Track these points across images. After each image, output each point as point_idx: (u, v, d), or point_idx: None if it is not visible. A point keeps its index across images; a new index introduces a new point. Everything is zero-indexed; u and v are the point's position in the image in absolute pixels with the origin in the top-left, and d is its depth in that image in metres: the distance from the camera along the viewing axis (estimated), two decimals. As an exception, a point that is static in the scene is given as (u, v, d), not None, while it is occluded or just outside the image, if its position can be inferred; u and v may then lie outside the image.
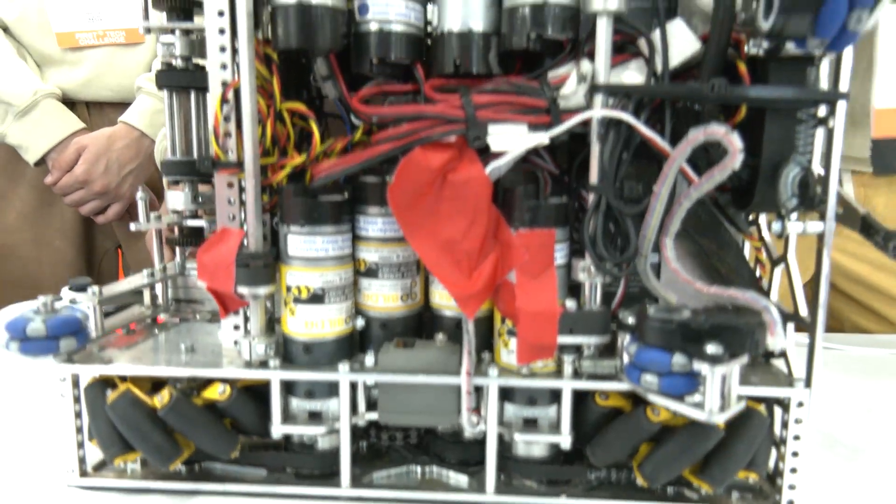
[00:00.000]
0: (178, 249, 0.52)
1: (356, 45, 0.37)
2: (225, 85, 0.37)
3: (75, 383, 0.38)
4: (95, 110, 1.03)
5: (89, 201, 0.99)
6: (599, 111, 0.33)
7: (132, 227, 0.48)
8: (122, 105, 1.00)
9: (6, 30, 1.01)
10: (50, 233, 1.04)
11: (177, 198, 0.49)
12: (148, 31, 0.47)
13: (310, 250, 0.37)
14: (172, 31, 0.47)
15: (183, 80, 0.47)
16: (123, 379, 0.38)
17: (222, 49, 0.37)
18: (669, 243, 0.34)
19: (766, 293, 0.41)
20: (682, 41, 0.35)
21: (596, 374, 0.37)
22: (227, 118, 0.37)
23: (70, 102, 1.01)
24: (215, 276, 0.37)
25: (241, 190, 0.37)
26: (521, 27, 0.34)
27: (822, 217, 0.34)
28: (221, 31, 0.37)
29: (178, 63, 0.47)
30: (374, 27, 0.36)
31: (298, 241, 0.37)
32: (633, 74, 0.35)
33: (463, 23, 0.36)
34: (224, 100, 0.37)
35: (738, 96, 0.33)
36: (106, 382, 0.38)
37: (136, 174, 0.99)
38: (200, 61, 0.47)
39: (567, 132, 0.34)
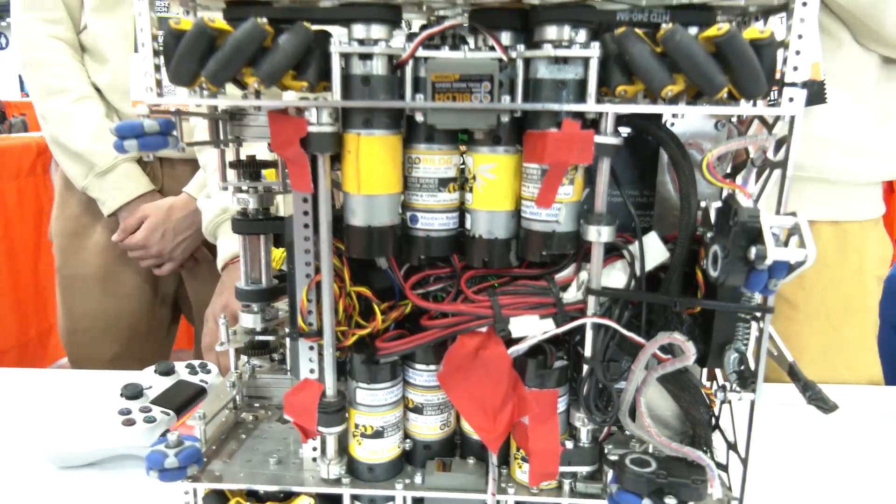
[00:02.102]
0: (249, 358, 0.64)
1: (407, 244, 0.48)
2: (309, 276, 0.48)
3: (195, 494, 0.51)
4: (167, 165, 1.18)
5: (147, 259, 1.12)
6: (592, 318, 0.45)
7: (218, 347, 0.60)
8: (191, 161, 1.14)
9: (100, 92, 1.14)
10: (120, 266, 1.18)
11: (249, 319, 0.61)
12: (225, 188, 0.58)
13: (372, 400, 0.49)
14: (246, 190, 0.58)
15: (255, 228, 0.59)
16: (231, 492, 0.50)
17: (306, 238, 0.48)
18: (643, 401, 0.46)
19: (716, 422, 0.53)
20: (654, 251, 0.47)
21: (587, 493, 0.49)
22: (311, 300, 0.48)
23: (145, 161, 1.15)
24: (301, 415, 0.49)
25: (320, 353, 0.49)
26: (535, 247, 0.46)
27: (753, 391, 0.46)
28: (306, 226, 0.48)
29: (251, 213, 0.58)
30: (421, 234, 0.47)
31: (364, 394, 0.49)
32: (618, 275, 0.47)
33: (489, 231, 0.47)
34: (309, 287, 0.48)
35: (693, 305, 0.45)
36: (217, 493, 0.51)
37: (189, 241, 1.13)
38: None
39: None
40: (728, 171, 0.52)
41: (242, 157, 0.57)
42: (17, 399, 0.82)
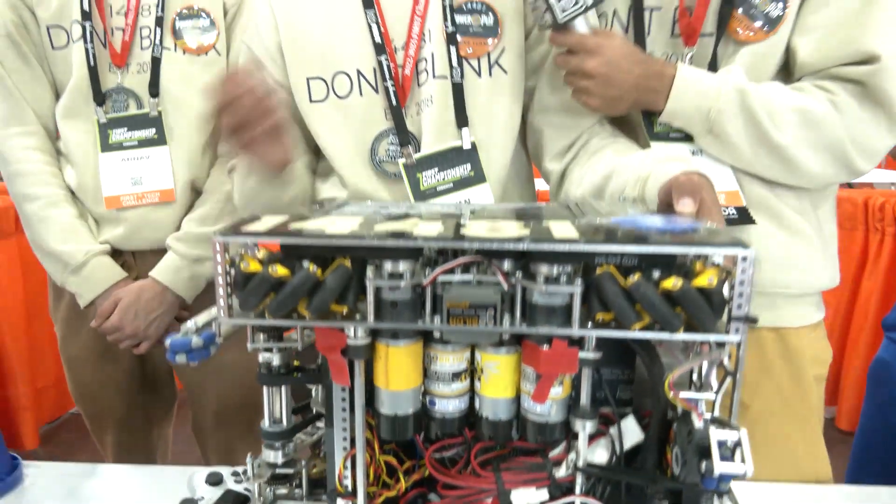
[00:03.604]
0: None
1: (427, 421, 0.58)
2: (345, 449, 0.58)
3: None
4: (139, 256, 1.28)
5: (124, 340, 1.25)
6: (579, 497, 0.55)
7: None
8: (161, 251, 1.25)
9: (73, 193, 1.26)
10: (113, 350, 1.29)
11: (271, 455, 0.70)
12: (255, 351, 0.68)
13: (398, 551, 0.59)
14: (270, 350, 0.68)
15: (278, 381, 0.68)
16: None
17: (343, 419, 0.58)
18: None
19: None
20: (631, 434, 0.56)
21: None
22: (346, 466, 0.59)
23: (118, 251, 1.27)
24: (337, 561, 0.59)
25: (354, 510, 0.59)
26: (531, 434, 0.55)
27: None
28: (343, 409, 0.58)
29: (274, 368, 0.68)
30: (438, 415, 0.57)
31: (391, 545, 0.59)
32: (602, 452, 0.57)
33: (494, 414, 0.57)
34: (345, 458, 0.58)
35: (664, 487, 0.54)
36: None
37: (160, 319, 1.24)
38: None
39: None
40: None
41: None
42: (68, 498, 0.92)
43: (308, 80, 0.96)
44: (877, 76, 0.83)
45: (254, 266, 0.52)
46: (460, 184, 0.93)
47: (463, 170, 0.94)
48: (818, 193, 0.94)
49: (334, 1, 0.97)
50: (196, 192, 1.27)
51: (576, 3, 0.83)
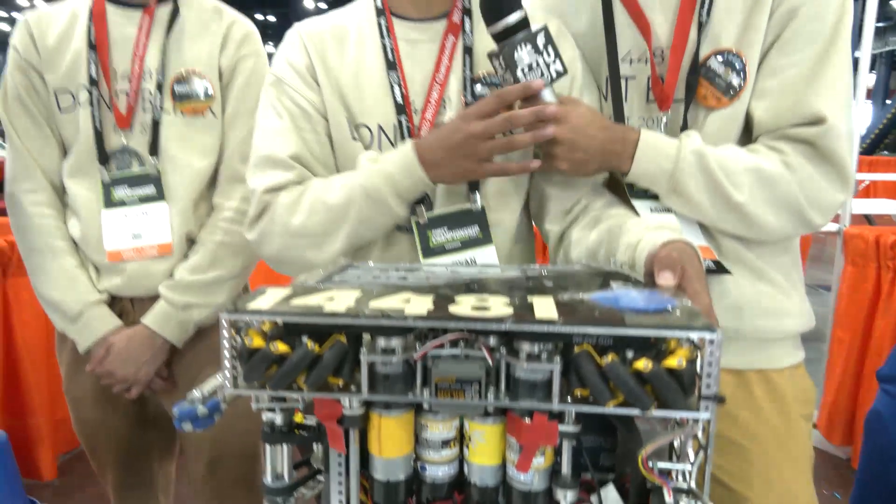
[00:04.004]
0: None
1: (418, 485, 0.61)
2: (341, 510, 0.62)
3: None
4: (137, 302, 1.34)
5: (115, 385, 1.31)
6: (559, 563, 0.57)
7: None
8: (157, 298, 1.30)
9: (77, 243, 1.33)
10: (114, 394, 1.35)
11: None
12: (259, 411, 0.72)
13: None
14: (273, 410, 0.72)
15: (280, 440, 0.72)
16: None
17: (339, 483, 0.62)
18: None
19: None
20: (611, 502, 0.59)
21: None
22: (341, 527, 0.62)
23: (117, 297, 1.33)
24: None
25: (349, 569, 0.62)
26: (516, 501, 0.59)
27: None
28: (339, 473, 0.62)
29: (277, 426, 0.72)
30: (428, 480, 0.61)
31: None
32: (586, 519, 0.59)
33: (481, 479, 0.60)
34: (340, 519, 0.61)
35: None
36: None
37: (150, 364, 1.30)
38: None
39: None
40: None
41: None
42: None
43: (347, 120, 1.00)
44: (825, 137, 0.91)
45: (257, 342, 0.56)
46: (468, 243, 0.97)
47: (471, 230, 0.98)
48: (782, 244, 1.02)
49: (363, 56, 1.01)
50: (191, 243, 1.33)
51: (541, 75, 0.88)
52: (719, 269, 0.94)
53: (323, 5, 17.01)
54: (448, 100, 1.00)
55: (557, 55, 0.89)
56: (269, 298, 0.60)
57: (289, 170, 0.97)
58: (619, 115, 1.02)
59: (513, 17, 0.87)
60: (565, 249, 0.99)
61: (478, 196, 0.98)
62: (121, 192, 1.28)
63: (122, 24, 1.29)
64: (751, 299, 0.99)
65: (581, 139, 0.91)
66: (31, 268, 1.32)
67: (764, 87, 0.95)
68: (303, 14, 17.47)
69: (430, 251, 0.98)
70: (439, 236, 0.98)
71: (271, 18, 17.00)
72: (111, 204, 1.28)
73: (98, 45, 1.27)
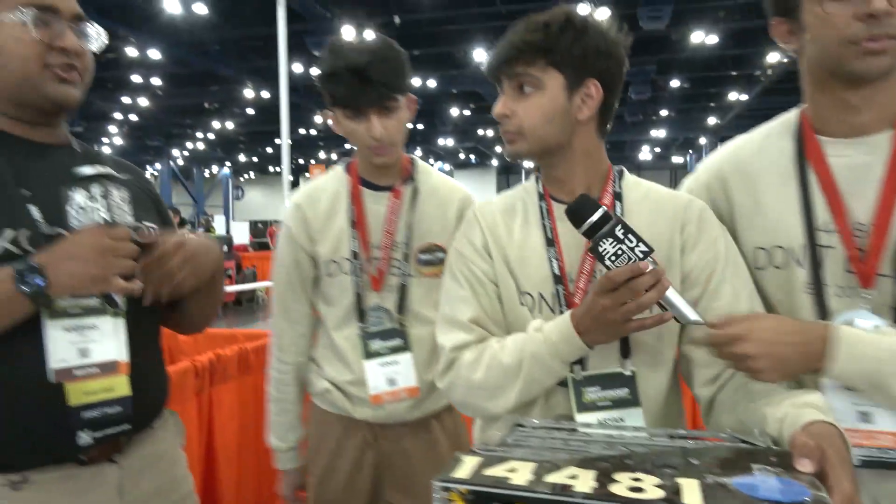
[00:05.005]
0: None
1: None
2: None
3: None
4: (379, 427, 1.65)
5: None
6: None
7: None
8: (400, 425, 1.62)
9: (336, 385, 1.65)
10: None
11: None
12: None
13: None
14: None
15: None
16: None
17: None
18: None
19: None
20: None
21: None
22: None
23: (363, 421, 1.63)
24: None
25: None
26: None
27: None
28: None
29: None
30: None
31: None
32: None
33: None
34: None
35: None
36: None
37: None
38: None
39: None
40: None
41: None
42: None
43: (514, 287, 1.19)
44: None
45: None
46: (618, 403, 1.11)
47: (621, 392, 1.11)
48: None
49: (527, 234, 1.21)
50: (432, 386, 1.56)
51: (627, 260, 0.99)
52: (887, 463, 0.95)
53: (466, 112, 18.38)
54: (599, 271, 1.16)
55: (639, 239, 1.00)
56: (467, 467, 0.77)
57: (469, 332, 1.18)
58: (816, 284, 1.09)
59: (593, 218, 1.01)
60: (716, 415, 1.08)
61: (629, 362, 1.12)
62: (376, 345, 1.57)
63: (375, 203, 1.59)
64: None
65: (774, 350, 0.98)
66: (267, 413, 1.69)
67: None
68: (448, 121, 18.94)
69: (583, 406, 1.12)
70: (592, 394, 1.12)
71: (420, 126, 19.06)
72: (369, 355, 1.56)
73: (357, 224, 1.58)
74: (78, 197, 1.02)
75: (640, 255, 1.00)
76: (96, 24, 1.16)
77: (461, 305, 1.20)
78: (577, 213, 1.04)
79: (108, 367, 1.09)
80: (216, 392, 2.68)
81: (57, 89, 1.10)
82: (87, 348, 1.07)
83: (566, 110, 1.14)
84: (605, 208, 1.04)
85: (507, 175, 33.18)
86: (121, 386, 1.11)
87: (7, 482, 1.04)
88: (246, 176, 37.15)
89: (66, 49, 1.09)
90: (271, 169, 35.14)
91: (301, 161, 29.25)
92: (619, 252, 1.01)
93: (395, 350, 1.55)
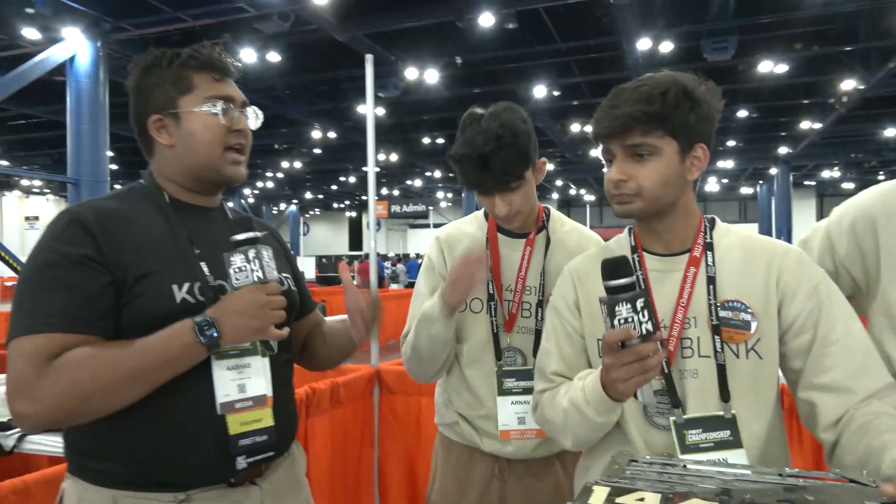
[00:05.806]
0: None
1: None
2: None
3: None
4: (503, 461, 1.73)
5: None
6: None
7: None
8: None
9: (465, 418, 1.75)
10: None
11: None
12: None
13: None
14: None
15: None
16: None
17: None
18: None
19: None
20: None
21: None
22: None
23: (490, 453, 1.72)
24: None
25: None
26: None
27: None
28: None
29: None
30: None
31: None
32: None
33: None
34: None
35: None
36: None
37: None
38: None
39: None
40: None
41: None
42: None
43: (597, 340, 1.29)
44: None
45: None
46: (720, 445, 1.17)
47: (723, 434, 1.18)
48: None
49: None
50: None
51: (633, 329, 1.04)
52: None
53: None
54: (693, 319, 1.23)
55: (651, 318, 1.04)
56: (599, 496, 0.87)
57: (550, 383, 1.32)
58: None
59: (623, 281, 1.06)
60: (838, 456, 1.12)
61: (728, 406, 1.18)
62: (510, 383, 1.64)
63: (510, 249, 1.68)
64: None
65: None
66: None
67: None
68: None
69: (686, 448, 1.19)
70: (694, 436, 1.19)
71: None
72: (503, 392, 1.64)
73: (493, 267, 1.66)
74: (236, 259, 1.20)
75: (644, 332, 1.05)
76: (256, 108, 1.37)
77: (548, 358, 1.34)
78: (612, 269, 1.07)
79: (259, 401, 1.24)
80: (311, 424, 2.83)
81: (231, 171, 1.31)
82: (244, 384, 1.23)
83: (679, 173, 1.23)
84: (635, 279, 1.09)
85: (569, 208, 33.05)
86: (267, 417, 1.26)
87: (174, 500, 1.19)
88: (312, 212, 38.39)
89: (242, 131, 1.30)
90: (335, 205, 36.19)
91: (364, 197, 30.05)
92: (630, 319, 1.05)
93: (527, 391, 1.59)
